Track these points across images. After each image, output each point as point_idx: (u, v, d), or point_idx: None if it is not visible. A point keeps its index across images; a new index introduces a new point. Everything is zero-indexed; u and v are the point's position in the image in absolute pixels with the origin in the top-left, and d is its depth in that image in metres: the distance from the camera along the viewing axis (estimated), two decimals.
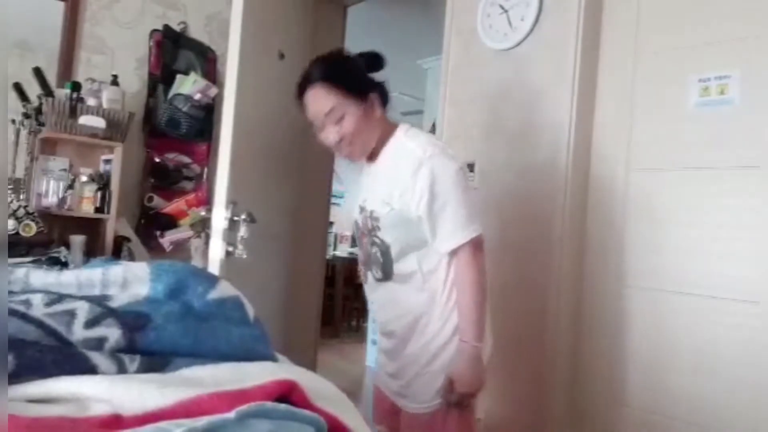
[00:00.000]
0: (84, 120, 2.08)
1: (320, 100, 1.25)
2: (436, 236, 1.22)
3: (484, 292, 1.23)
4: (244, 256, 1.73)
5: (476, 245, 1.22)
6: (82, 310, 0.62)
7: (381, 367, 1.41)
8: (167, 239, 2.39)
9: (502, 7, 1.88)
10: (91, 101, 2.16)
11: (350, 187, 1.45)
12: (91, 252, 2.06)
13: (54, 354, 0.56)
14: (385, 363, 1.38)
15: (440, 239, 1.22)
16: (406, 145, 1.26)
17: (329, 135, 1.27)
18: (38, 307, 0.62)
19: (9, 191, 1.96)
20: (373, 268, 1.33)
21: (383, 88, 1.31)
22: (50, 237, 1.96)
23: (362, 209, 1.34)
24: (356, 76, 1.28)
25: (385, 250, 1.28)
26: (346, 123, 1.24)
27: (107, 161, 2.23)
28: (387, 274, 1.30)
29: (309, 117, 1.29)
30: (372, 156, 1.33)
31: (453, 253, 1.23)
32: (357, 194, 1.42)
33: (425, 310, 1.27)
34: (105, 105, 2.18)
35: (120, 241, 2.21)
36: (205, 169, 2.60)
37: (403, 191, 1.22)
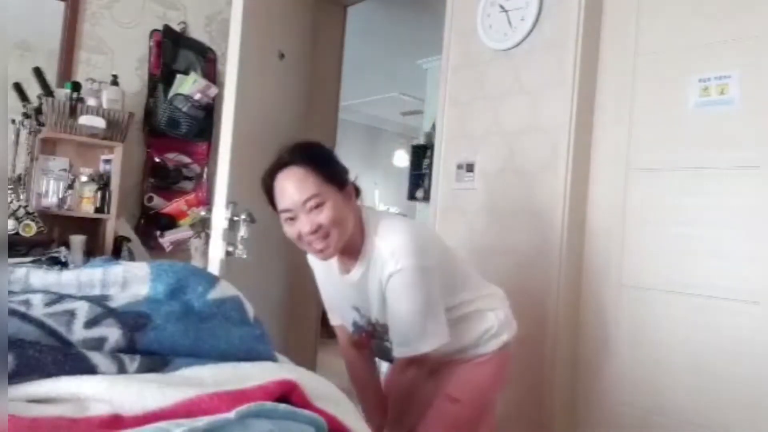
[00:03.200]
0: (84, 120, 2.08)
1: (299, 183, 1.11)
2: (392, 340, 1.21)
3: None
4: (244, 256, 1.73)
5: (417, 356, 1.19)
6: (82, 310, 0.62)
7: None
8: (167, 239, 2.39)
9: (502, 7, 1.88)
10: (91, 101, 2.16)
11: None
12: (91, 252, 2.06)
13: (54, 354, 0.55)
14: None
15: (393, 344, 1.21)
16: (380, 254, 1.16)
17: (304, 226, 1.11)
18: (38, 307, 0.62)
19: (9, 191, 1.96)
20: (393, 359, 1.31)
21: (355, 183, 1.24)
22: (50, 237, 1.96)
23: (360, 312, 1.29)
24: (337, 163, 1.20)
25: None
26: (327, 210, 1.11)
27: (107, 161, 2.23)
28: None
29: (280, 207, 1.15)
30: (344, 267, 1.24)
31: (396, 359, 1.23)
32: (338, 297, 1.34)
33: (463, 347, 1.29)
34: (105, 105, 2.18)
35: (120, 241, 2.21)
36: (205, 169, 2.60)
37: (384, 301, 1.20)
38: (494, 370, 1.31)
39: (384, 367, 1.45)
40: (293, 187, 1.12)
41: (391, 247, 1.14)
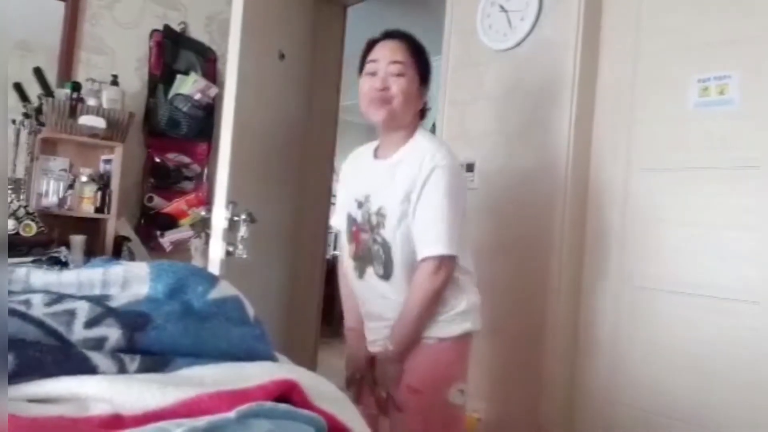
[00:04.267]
0: (84, 120, 2.09)
1: (395, 49, 1.29)
2: (419, 239, 1.24)
3: (431, 311, 1.25)
4: (244, 256, 1.73)
5: (450, 264, 1.22)
6: (83, 309, 0.62)
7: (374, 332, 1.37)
8: (167, 239, 2.39)
9: (501, 7, 1.88)
10: (91, 101, 2.16)
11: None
12: (92, 252, 2.07)
13: (54, 354, 0.56)
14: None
15: (423, 243, 1.23)
16: (424, 146, 1.28)
17: (377, 82, 1.27)
18: (38, 307, 0.62)
19: (9, 191, 1.96)
20: (375, 265, 1.32)
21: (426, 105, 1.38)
22: (50, 237, 1.96)
23: (361, 204, 1.34)
24: (429, 65, 1.35)
25: (388, 249, 1.28)
26: (402, 81, 1.27)
27: (107, 161, 2.23)
28: (388, 273, 1.29)
29: (369, 57, 1.31)
30: (383, 153, 1.35)
31: (427, 260, 1.22)
32: (351, 188, 1.40)
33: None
34: (105, 105, 2.18)
35: (120, 241, 2.21)
36: (205, 169, 2.60)
37: (415, 192, 1.24)
38: (453, 359, 1.30)
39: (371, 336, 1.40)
40: (389, 48, 1.30)
41: (436, 146, 1.27)
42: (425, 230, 1.22)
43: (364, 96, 1.30)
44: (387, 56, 1.28)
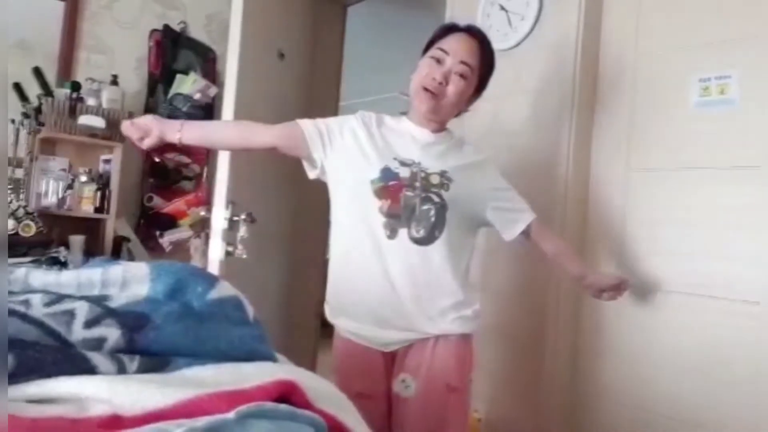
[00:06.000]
0: (83, 120, 2.08)
1: (470, 49, 1.28)
2: (517, 212, 1.38)
3: None
4: (244, 256, 1.73)
5: None
6: (82, 310, 0.62)
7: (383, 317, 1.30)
8: (167, 239, 2.39)
9: (502, 6, 1.88)
10: (90, 101, 2.16)
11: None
12: (91, 252, 2.06)
13: (53, 354, 0.55)
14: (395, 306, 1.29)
15: (522, 213, 1.38)
16: (464, 143, 1.41)
17: (437, 73, 1.25)
18: (37, 308, 0.62)
19: (8, 191, 1.96)
20: (413, 226, 1.25)
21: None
22: (49, 237, 1.96)
23: (406, 164, 1.28)
24: (490, 76, 1.36)
25: (443, 210, 1.26)
26: (461, 84, 1.27)
27: (107, 161, 2.23)
28: (431, 237, 1.25)
29: (441, 44, 1.29)
30: (426, 125, 1.35)
31: (536, 220, 1.39)
32: (389, 144, 1.32)
33: (457, 289, 1.30)
34: (104, 105, 2.18)
35: (119, 241, 2.21)
36: (205, 169, 2.60)
37: (480, 174, 1.36)
38: (472, 352, 1.36)
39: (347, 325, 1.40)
40: (464, 45, 1.28)
41: (470, 143, 1.43)
42: (519, 201, 1.40)
43: (419, 78, 1.29)
44: (459, 53, 1.26)
